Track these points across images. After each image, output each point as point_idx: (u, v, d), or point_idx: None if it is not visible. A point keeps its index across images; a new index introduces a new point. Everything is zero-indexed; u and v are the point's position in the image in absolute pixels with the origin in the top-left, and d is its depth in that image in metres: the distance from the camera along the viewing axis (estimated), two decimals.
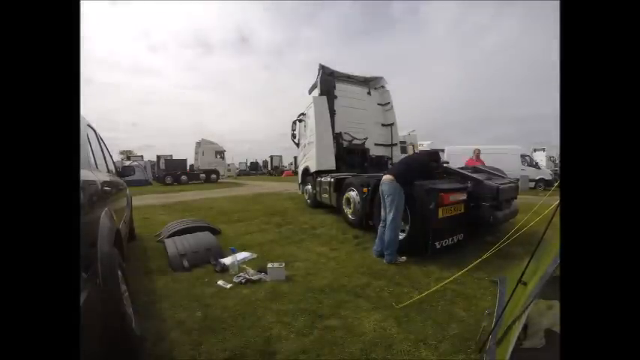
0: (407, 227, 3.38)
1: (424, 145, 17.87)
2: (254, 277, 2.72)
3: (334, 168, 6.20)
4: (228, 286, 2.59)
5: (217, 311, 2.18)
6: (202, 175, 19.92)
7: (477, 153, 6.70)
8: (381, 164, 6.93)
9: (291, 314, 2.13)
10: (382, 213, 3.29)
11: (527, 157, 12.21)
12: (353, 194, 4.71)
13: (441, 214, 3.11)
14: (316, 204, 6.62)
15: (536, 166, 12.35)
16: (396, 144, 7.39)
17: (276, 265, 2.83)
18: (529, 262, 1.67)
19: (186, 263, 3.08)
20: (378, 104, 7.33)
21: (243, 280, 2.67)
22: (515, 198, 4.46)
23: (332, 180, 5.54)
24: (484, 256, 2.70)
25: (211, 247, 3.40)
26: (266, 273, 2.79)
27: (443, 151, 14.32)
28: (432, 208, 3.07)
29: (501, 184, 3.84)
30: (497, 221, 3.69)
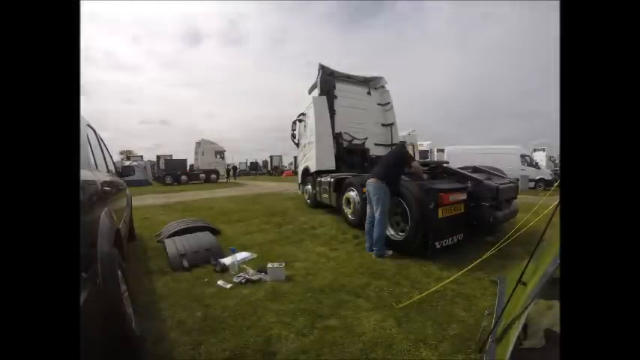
0: (407, 227, 3.38)
1: (424, 145, 17.88)
2: (254, 277, 2.73)
3: (334, 168, 6.20)
4: (228, 286, 2.59)
5: (217, 311, 2.18)
6: (202, 175, 19.92)
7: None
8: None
9: (291, 314, 2.13)
10: (368, 211, 3.52)
11: (527, 157, 12.21)
12: (353, 194, 4.71)
13: (441, 214, 3.12)
14: (316, 204, 6.62)
15: (536, 166, 12.35)
16: (396, 144, 7.39)
17: (276, 265, 2.83)
18: (528, 262, 1.67)
19: (186, 263, 3.08)
20: (378, 104, 7.33)
21: (243, 280, 2.67)
22: (515, 198, 4.46)
23: (332, 180, 5.54)
24: (484, 256, 2.70)
25: (211, 247, 3.40)
26: (266, 273, 2.79)
27: (443, 151, 14.33)
28: (432, 208, 3.07)
29: (501, 184, 3.85)
30: (497, 221, 3.69)
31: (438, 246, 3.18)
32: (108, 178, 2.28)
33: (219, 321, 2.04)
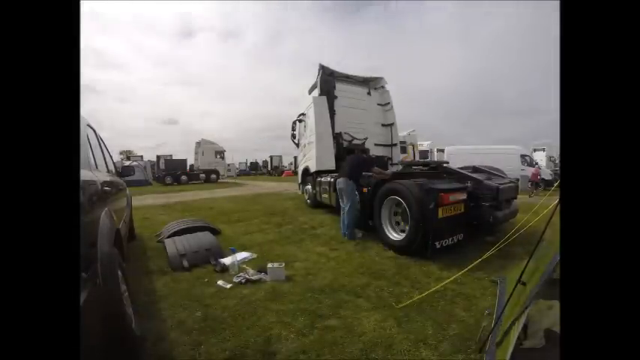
0: (407, 227, 3.38)
1: (424, 145, 17.89)
2: (254, 277, 2.72)
3: (334, 168, 6.21)
4: (228, 286, 2.59)
5: (217, 311, 2.18)
6: (202, 175, 19.92)
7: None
8: (381, 164, 6.93)
9: (291, 314, 2.13)
10: (341, 203, 4.34)
11: (527, 157, 12.22)
12: None
13: (441, 214, 3.12)
14: (316, 204, 6.62)
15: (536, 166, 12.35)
16: (396, 144, 7.39)
17: (276, 265, 2.83)
18: (528, 262, 1.67)
19: (186, 263, 3.08)
20: (378, 104, 7.33)
21: (243, 280, 2.67)
22: (515, 198, 4.46)
23: (332, 180, 5.54)
24: (484, 256, 2.70)
25: (211, 247, 3.40)
26: (266, 273, 2.79)
27: (443, 151, 14.33)
28: (432, 208, 3.07)
29: (501, 184, 3.85)
30: (497, 221, 3.69)
31: (438, 246, 3.18)
32: (108, 178, 2.28)
33: (219, 321, 2.04)
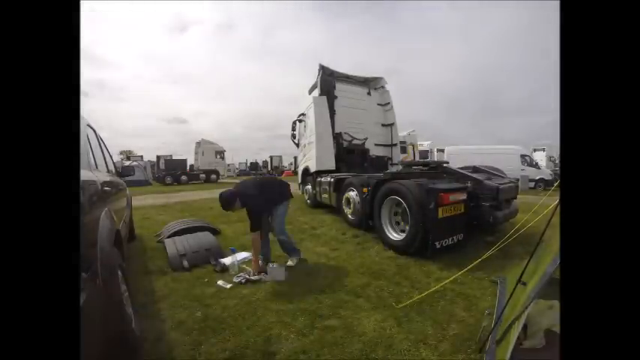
0: (407, 227, 3.38)
1: (424, 145, 17.89)
2: (254, 277, 2.73)
3: (334, 168, 6.21)
4: (228, 286, 2.59)
5: (217, 311, 2.18)
6: (202, 175, 19.92)
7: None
8: (381, 164, 6.93)
9: (291, 314, 2.13)
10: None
11: (527, 157, 12.22)
12: (353, 194, 4.71)
13: (440, 214, 3.12)
14: (316, 204, 6.62)
15: (536, 166, 12.36)
16: (396, 144, 7.40)
17: (276, 265, 2.83)
18: (528, 262, 1.67)
19: (186, 263, 3.08)
20: (378, 104, 7.34)
21: (243, 280, 2.68)
22: (515, 198, 4.46)
23: (332, 180, 5.54)
24: (484, 256, 2.70)
25: (211, 247, 3.40)
26: (266, 273, 2.79)
27: (443, 151, 14.33)
28: (432, 208, 3.07)
29: (501, 184, 3.85)
30: (497, 221, 3.69)
31: (438, 246, 3.18)
32: (108, 178, 2.28)
33: (219, 321, 2.05)
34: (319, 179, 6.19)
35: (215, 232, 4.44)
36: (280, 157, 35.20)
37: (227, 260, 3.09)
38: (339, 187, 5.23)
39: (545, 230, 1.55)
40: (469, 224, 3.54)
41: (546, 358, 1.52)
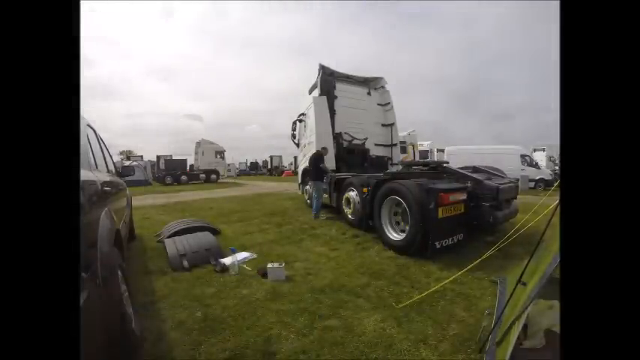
0: (407, 227, 3.38)
1: (424, 145, 17.90)
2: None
3: (334, 168, 6.21)
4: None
5: (217, 311, 2.18)
6: (202, 175, 19.91)
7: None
8: (381, 164, 6.94)
9: (291, 314, 2.13)
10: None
11: (527, 157, 12.22)
12: (353, 194, 4.71)
13: (441, 214, 3.12)
14: None
15: (536, 166, 12.35)
16: (396, 144, 7.40)
17: (276, 265, 2.83)
18: (528, 262, 1.67)
19: (186, 263, 3.08)
20: (378, 104, 7.34)
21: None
22: (515, 198, 4.46)
23: (332, 180, 5.54)
24: (484, 256, 2.70)
25: (211, 247, 3.40)
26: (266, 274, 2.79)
27: (443, 151, 14.34)
28: (432, 208, 3.07)
29: (501, 184, 3.85)
30: (497, 221, 3.69)
31: (438, 246, 3.18)
32: (108, 178, 2.28)
33: (219, 321, 2.05)
34: None
35: (215, 232, 4.44)
36: (280, 157, 35.20)
37: (227, 260, 3.09)
38: (339, 187, 5.24)
39: (545, 230, 1.55)
40: (469, 224, 3.54)
41: (546, 358, 1.52)
